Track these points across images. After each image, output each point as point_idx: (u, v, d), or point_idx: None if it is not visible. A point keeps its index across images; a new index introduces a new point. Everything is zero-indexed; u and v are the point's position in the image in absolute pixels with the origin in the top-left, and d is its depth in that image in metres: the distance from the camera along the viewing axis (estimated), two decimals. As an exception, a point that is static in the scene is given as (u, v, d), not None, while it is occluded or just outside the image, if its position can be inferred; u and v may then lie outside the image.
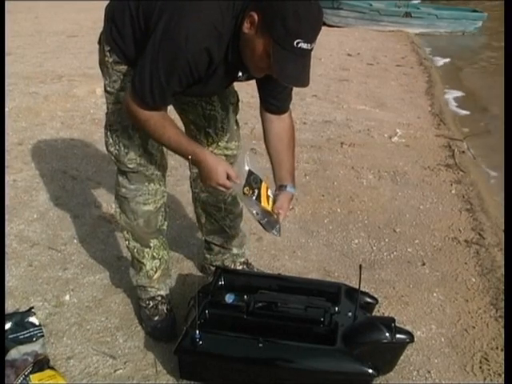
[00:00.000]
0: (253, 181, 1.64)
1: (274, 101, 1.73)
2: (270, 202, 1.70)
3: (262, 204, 1.66)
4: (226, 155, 1.91)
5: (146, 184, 1.76)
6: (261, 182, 1.67)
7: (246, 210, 1.80)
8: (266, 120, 1.78)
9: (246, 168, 1.65)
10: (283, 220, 1.73)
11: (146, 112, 1.51)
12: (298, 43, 1.35)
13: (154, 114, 1.52)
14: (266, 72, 1.48)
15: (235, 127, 1.92)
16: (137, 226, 1.82)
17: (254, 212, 1.66)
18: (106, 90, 1.68)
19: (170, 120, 1.56)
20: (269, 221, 1.68)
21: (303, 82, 1.43)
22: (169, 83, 1.45)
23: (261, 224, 1.69)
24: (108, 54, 1.62)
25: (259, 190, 1.65)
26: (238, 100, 1.90)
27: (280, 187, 1.76)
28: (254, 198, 1.63)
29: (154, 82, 1.44)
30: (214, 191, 1.93)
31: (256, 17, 1.37)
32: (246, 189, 1.62)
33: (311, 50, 1.40)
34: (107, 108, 1.70)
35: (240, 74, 1.58)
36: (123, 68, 1.61)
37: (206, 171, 1.56)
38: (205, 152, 1.59)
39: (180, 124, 1.86)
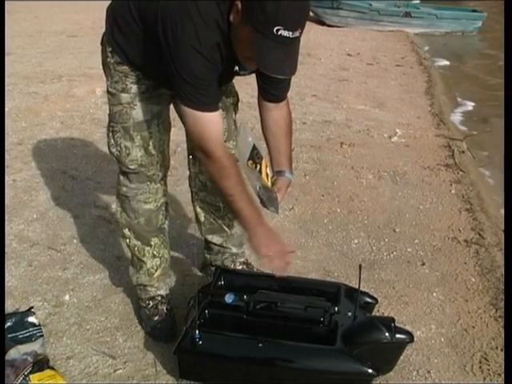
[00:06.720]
0: (256, 155, 1.61)
1: (273, 91, 1.73)
2: (269, 180, 1.67)
3: (263, 180, 1.63)
4: None
5: (148, 183, 1.77)
6: (262, 158, 1.64)
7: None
8: (263, 108, 1.77)
9: (250, 140, 1.60)
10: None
11: (223, 159, 1.50)
12: (277, 30, 1.31)
13: (230, 163, 1.52)
14: (254, 63, 1.45)
15: (233, 127, 1.92)
16: (137, 224, 1.82)
17: (257, 187, 1.60)
18: (108, 91, 1.69)
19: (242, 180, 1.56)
20: (269, 197, 1.63)
21: (284, 71, 1.40)
22: (205, 80, 1.44)
23: (261, 199, 1.64)
24: (110, 54, 1.62)
25: (260, 165, 1.62)
26: (238, 100, 1.90)
27: (278, 172, 1.75)
28: (257, 170, 1.60)
29: (194, 85, 1.43)
30: (212, 190, 1.93)
31: (240, 5, 1.35)
32: (249, 162, 1.58)
33: (294, 38, 1.35)
34: (109, 109, 1.70)
35: (236, 68, 1.56)
36: (125, 68, 1.62)
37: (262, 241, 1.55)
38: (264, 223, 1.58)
39: (180, 125, 1.87)
